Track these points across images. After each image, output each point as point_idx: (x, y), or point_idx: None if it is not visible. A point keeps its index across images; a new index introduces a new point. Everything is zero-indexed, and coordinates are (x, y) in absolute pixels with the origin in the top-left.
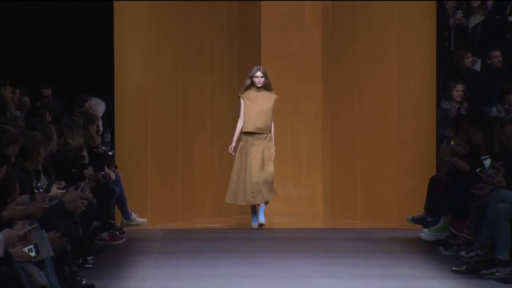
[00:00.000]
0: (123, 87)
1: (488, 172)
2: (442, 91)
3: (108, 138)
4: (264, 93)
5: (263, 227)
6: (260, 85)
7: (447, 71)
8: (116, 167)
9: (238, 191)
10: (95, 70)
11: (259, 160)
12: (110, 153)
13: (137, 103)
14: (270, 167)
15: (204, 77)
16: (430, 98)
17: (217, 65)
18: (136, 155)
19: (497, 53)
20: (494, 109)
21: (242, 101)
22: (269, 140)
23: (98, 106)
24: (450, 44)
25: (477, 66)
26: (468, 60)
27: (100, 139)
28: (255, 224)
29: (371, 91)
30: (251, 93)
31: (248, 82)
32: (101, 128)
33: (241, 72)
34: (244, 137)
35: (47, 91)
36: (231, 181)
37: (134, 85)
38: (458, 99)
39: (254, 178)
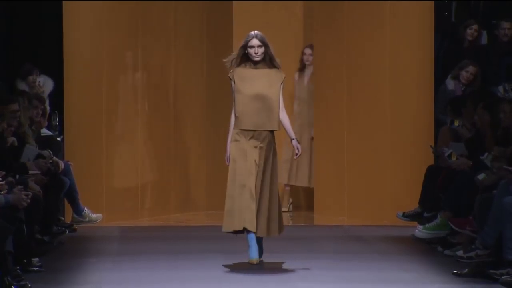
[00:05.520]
0: (73, 61)
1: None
2: (443, 68)
3: (56, 121)
4: (265, 71)
5: (257, 263)
6: (258, 59)
7: (448, 46)
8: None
9: (241, 210)
10: (40, 41)
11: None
12: (58, 138)
13: (90, 80)
14: (267, 188)
15: (167, 48)
16: (428, 76)
17: (182, 34)
18: (89, 141)
19: (507, 24)
20: (500, 88)
21: (233, 84)
22: (269, 142)
23: (45, 84)
24: (451, 14)
25: (483, 40)
26: (473, 32)
27: (46, 123)
28: (252, 258)
29: (360, 69)
30: (245, 71)
31: (240, 53)
32: (48, 109)
33: (211, 43)
34: (235, 136)
35: None
36: (226, 201)
37: (86, 59)
38: (464, 82)
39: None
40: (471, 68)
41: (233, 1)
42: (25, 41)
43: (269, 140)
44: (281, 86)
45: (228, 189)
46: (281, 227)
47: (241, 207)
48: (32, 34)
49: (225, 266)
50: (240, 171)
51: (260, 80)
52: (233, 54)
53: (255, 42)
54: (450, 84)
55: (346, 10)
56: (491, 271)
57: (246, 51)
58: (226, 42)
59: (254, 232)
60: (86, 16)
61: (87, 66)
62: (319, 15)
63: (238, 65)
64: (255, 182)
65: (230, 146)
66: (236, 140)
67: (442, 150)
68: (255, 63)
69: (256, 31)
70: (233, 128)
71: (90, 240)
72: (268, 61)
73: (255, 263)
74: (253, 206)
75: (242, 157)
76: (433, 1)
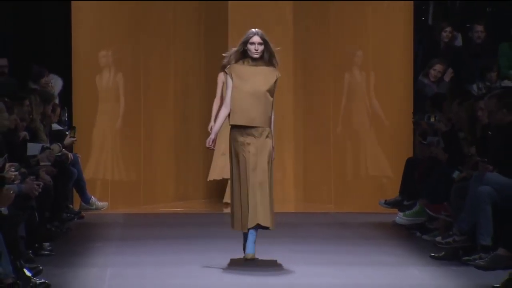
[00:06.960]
0: (80, 60)
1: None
2: (421, 67)
3: (65, 117)
4: (262, 69)
5: (250, 259)
6: (257, 56)
7: (426, 46)
8: (74, 128)
9: (253, 207)
10: (44, 42)
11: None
12: (67, 132)
13: (94, 78)
14: (264, 179)
15: (167, 47)
16: (408, 74)
17: (182, 34)
18: (95, 134)
19: (480, 27)
20: (474, 86)
21: (229, 80)
22: (267, 137)
23: (55, 83)
24: (428, 18)
25: (459, 41)
26: (448, 34)
27: (57, 118)
28: (249, 253)
29: (345, 66)
30: (244, 68)
31: (240, 49)
32: (59, 106)
33: (208, 43)
34: (232, 134)
35: (2, 61)
36: (234, 202)
37: (89, 58)
38: (433, 79)
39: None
40: (438, 66)
41: (229, 2)
42: (31, 42)
43: (266, 135)
44: (275, 85)
45: (235, 190)
46: (272, 220)
47: (251, 205)
48: (38, 34)
49: (223, 251)
50: (242, 169)
51: (257, 78)
52: (233, 49)
53: (256, 39)
54: (422, 82)
55: (333, 11)
56: (465, 257)
57: (246, 48)
58: (222, 42)
59: (266, 227)
60: (86, 16)
61: (90, 66)
62: (309, 16)
63: (237, 61)
64: (255, 177)
65: (228, 145)
66: (233, 139)
67: (431, 140)
68: (254, 60)
69: (257, 29)
70: (230, 124)
71: (96, 226)
72: (267, 59)
73: (249, 258)
74: (266, 201)
75: (242, 156)
76: (412, 1)
